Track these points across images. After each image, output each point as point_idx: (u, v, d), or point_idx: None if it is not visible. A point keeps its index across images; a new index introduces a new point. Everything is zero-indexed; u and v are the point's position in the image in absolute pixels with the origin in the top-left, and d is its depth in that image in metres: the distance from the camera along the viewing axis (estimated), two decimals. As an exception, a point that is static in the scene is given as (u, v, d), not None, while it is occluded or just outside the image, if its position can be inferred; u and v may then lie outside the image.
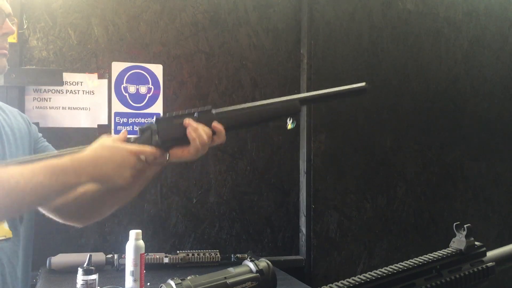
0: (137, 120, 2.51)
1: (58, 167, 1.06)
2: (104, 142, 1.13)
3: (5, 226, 1.28)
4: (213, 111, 1.20)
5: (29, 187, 1.01)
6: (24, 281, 1.35)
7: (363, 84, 1.29)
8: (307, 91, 2.68)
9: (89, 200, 1.29)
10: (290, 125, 1.24)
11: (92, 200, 1.29)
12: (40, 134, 1.49)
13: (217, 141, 1.19)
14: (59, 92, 2.42)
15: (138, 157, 1.12)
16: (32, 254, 1.41)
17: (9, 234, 1.29)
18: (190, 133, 1.15)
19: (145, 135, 1.19)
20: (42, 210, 1.33)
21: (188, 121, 1.16)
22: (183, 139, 1.17)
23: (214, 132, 1.17)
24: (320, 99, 1.34)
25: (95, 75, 2.47)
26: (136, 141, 1.18)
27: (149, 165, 1.19)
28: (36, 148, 1.44)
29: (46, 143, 1.48)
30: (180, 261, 2.28)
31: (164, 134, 1.18)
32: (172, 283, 0.67)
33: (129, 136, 1.18)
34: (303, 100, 1.26)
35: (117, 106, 2.49)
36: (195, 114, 1.19)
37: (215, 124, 1.17)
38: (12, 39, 2.30)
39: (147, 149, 1.14)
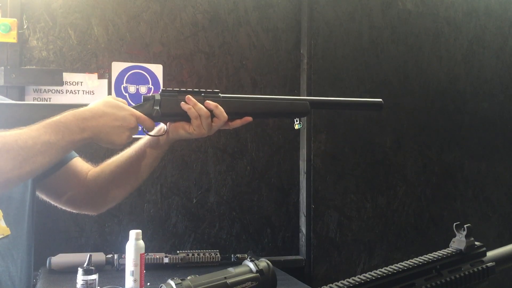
0: (137, 120, 2.51)
1: (62, 123, 1.08)
2: (108, 100, 1.16)
3: (1, 223, 1.27)
4: (220, 95, 1.23)
5: (38, 145, 1.02)
6: (26, 281, 1.34)
7: (379, 100, 1.25)
8: (307, 91, 2.68)
9: (101, 185, 1.31)
10: (297, 125, 1.24)
11: (104, 184, 1.31)
12: None
13: (217, 123, 1.21)
14: (59, 92, 2.41)
15: (137, 121, 1.16)
16: (33, 253, 1.40)
17: (6, 232, 1.28)
18: (190, 108, 1.19)
19: (147, 104, 1.22)
20: (54, 203, 1.35)
21: (189, 96, 1.20)
22: (183, 115, 1.20)
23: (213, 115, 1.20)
24: (331, 106, 1.32)
25: (95, 75, 2.47)
26: (137, 108, 1.21)
27: (152, 142, 1.25)
28: None
29: None
30: (180, 261, 2.28)
31: (166, 106, 1.20)
32: (172, 283, 0.67)
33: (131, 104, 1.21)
34: (313, 103, 1.25)
35: (117, 106, 2.49)
36: (202, 94, 1.22)
37: (214, 104, 1.20)
38: (12, 39, 2.30)
39: (147, 119, 1.18)
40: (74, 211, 1.38)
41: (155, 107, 1.20)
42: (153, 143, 1.27)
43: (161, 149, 1.28)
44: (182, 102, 1.19)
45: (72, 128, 1.08)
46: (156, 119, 1.21)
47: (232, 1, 2.64)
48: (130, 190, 1.36)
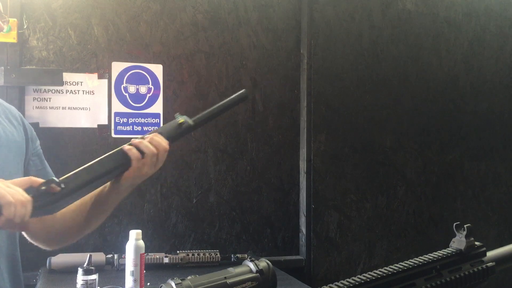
0: (137, 120, 2.51)
1: None
2: None
3: None
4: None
5: None
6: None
7: (243, 91, 1.29)
8: (307, 91, 2.69)
9: (57, 226, 1.26)
10: (181, 119, 1.20)
11: (61, 224, 1.26)
12: (38, 142, 1.38)
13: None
14: (59, 92, 2.42)
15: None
16: (20, 263, 1.35)
17: None
18: (131, 150, 1.13)
19: None
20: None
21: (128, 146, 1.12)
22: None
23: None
24: (210, 117, 1.28)
25: (95, 75, 2.47)
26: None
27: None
28: (28, 162, 1.33)
29: (39, 161, 1.36)
30: (180, 261, 2.28)
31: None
32: (172, 283, 0.67)
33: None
34: (197, 123, 1.23)
35: (117, 106, 2.49)
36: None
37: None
38: (12, 39, 2.30)
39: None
40: (28, 239, 1.31)
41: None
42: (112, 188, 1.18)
43: (119, 194, 1.19)
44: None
45: None
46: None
47: (232, 1, 2.64)
48: (88, 231, 1.32)
